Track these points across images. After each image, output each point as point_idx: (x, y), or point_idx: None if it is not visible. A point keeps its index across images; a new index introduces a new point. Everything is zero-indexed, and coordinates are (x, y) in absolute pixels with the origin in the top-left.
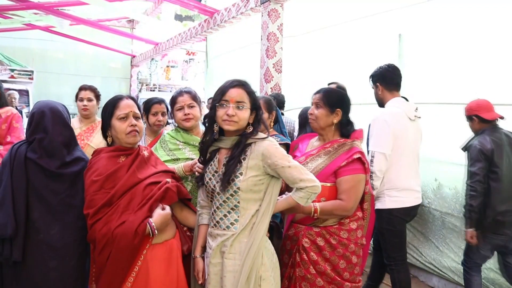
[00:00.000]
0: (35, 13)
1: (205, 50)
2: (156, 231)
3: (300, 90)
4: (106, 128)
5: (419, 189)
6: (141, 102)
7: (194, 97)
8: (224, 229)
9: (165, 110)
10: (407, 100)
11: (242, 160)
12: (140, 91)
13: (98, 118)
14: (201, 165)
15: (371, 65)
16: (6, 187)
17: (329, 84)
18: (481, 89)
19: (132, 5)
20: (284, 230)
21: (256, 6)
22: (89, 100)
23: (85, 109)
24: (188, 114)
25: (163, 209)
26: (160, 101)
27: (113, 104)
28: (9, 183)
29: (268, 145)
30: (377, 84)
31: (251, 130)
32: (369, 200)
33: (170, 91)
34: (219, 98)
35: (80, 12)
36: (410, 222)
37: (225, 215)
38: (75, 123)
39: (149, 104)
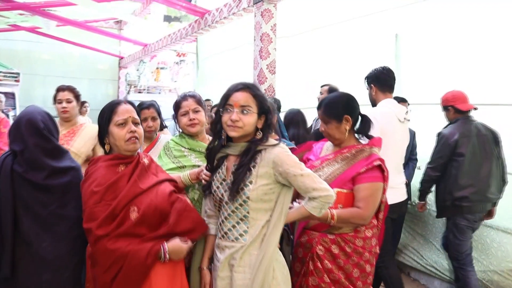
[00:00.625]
0: (20, 14)
1: (196, 51)
2: (167, 255)
3: (294, 92)
4: (103, 135)
5: (403, 186)
6: None
7: (199, 101)
8: (232, 240)
9: (156, 115)
10: (405, 100)
11: (252, 168)
12: (128, 93)
13: (80, 121)
14: (208, 173)
15: (367, 65)
16: None
17: (321, 86)
18: (477, 89)
19: (120, 5)
20: (295, 236)
21: (248, 6)
22: (68, 101)
23: (64, 112)
24: (193, 119)
25: (185, 241)
26: (149, 106)
27: (110, 110)
28: None
29: (279, 152)
30: (371, 85)
31: (260, 136)
32: (383, 209)
33: (159, 93)
34: (223, 102)
35: (67, 13)
36: (409, 224)
37: (233, 226)
38: None
39: None
